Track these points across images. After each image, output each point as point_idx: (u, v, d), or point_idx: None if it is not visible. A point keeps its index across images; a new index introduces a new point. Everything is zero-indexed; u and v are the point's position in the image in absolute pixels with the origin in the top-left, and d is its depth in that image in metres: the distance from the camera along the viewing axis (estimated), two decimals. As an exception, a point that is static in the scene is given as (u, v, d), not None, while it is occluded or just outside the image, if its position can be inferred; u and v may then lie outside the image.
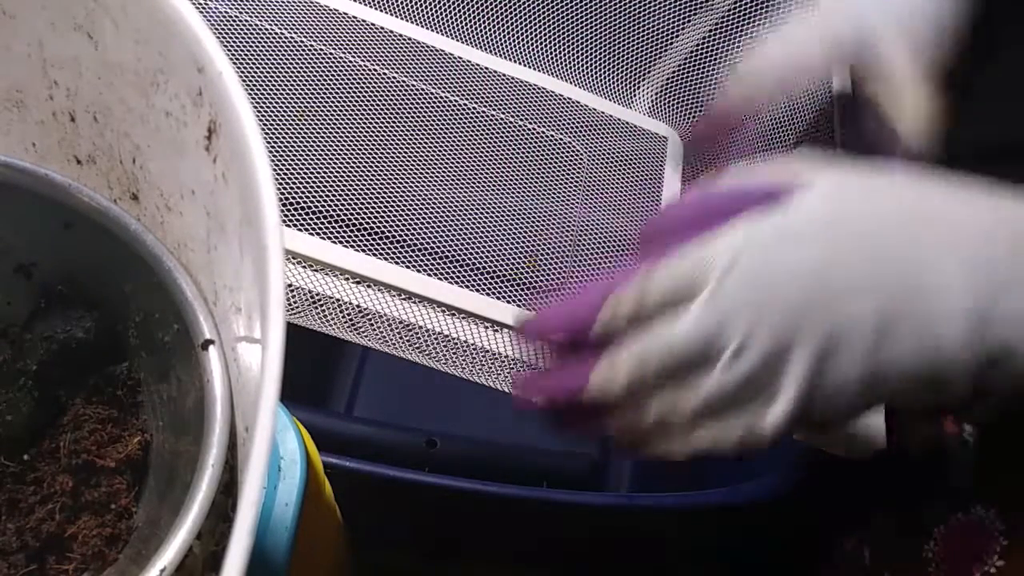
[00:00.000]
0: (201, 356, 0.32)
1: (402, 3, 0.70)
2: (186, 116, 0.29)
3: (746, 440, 0.32)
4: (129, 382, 0.34)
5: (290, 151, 0.61)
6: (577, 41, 0.72)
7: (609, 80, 0.73)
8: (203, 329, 0.32)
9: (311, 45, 0.67)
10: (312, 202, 0.60)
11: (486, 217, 0.64)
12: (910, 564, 0.46)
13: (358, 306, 0.52)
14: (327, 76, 0.66)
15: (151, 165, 0.33)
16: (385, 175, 0.63)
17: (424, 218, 0.62)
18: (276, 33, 0.66)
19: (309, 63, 0.66)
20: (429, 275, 0.45)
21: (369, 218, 0.61)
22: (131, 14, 0.29)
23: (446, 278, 0.47)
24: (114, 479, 0.33)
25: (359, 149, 0.63)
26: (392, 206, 0.62)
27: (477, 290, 0.46)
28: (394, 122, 0.66)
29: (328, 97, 0.65)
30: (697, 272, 0.31)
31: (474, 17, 0.71)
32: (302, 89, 0.65)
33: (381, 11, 0.70)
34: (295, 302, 0.53)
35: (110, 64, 0.31)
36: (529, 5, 0.71)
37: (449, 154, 0.66)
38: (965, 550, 0.43)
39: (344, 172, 0.62)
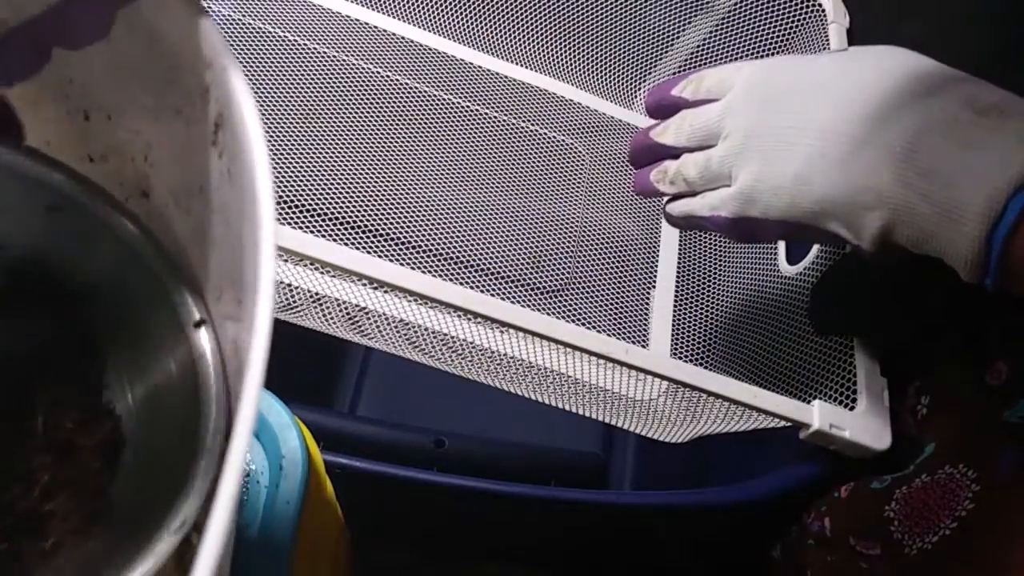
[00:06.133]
0: (193, 337, 0.32)
1: (401, 5, 0.71)
2: (195, 112, 0.30)
3: (714, 208, 0.47)
4: (111, 361, 0.34)
5: (292, 153, 0.62)
6: (577, 42, 0.72)
7: (610, 81, 0.73)
8: (192, 311, 0.32)
9: (309, 46, 0.67)
10: (314, 202, 0.60)
11: (488, 218, 0.64)
12: (871, 527, 0.47)
13: (360, 306, 0.52)
14: (328, 78, 0.66)
15: (161, 162, 0.33)
16: (387, 176, 0.63)
17: (426, 219, 0.63)
18: (274, 34, 0.67)
19: (309, 65, 0.67)
20: (431, 275, 0.45)
21: (371, 219, 0.61)
22: (144, 12, 0.29)
23: (449, 278, 0.47)
24: (92, 458, 0.32)
25: (361, 151, 0.64)
26: (394, 207, 0.62)
27: (480, 290, 0.46)
28: (396, 125, 0.66)
29: (329, 100, 0.65)
30: (725, 78, 0.47)
31: (474, 18, 0.71)
32: (303, 92, 0.65)
33: (382, 13, 0.71)
34: (297, 302, 0.53)
35: (123, 62, 0.31)
36: (528, 7, 0.71)
37: (451, 156, 0.66)
38: (931, 505, 0.45)
39: (346, 173, 0.62)
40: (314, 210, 0.60)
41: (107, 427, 0.33)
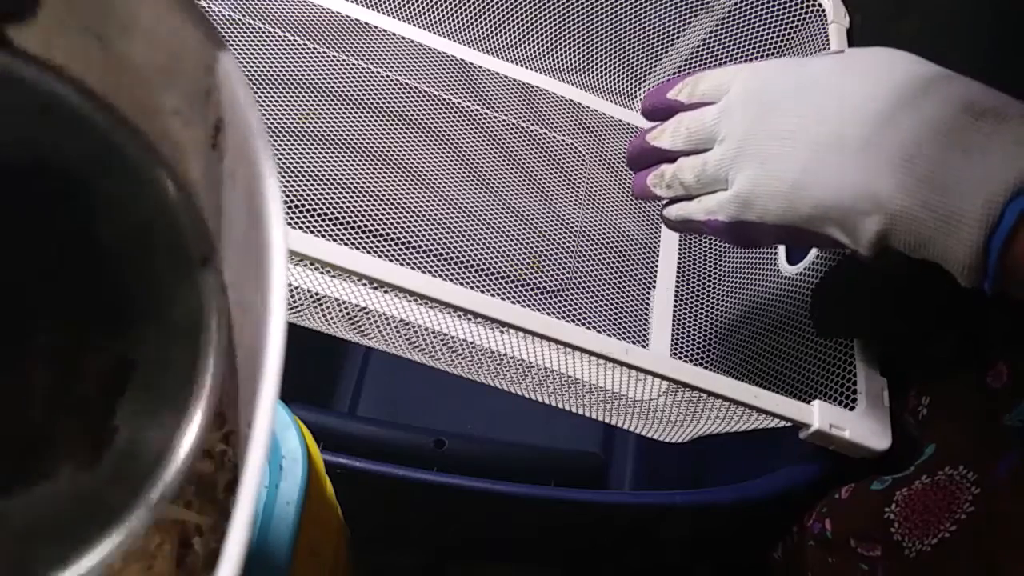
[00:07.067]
0: (197, 272, 0.31)
1: (401, 5, 0.71)
2: (194, 115, 0.29)
3: (710, 213, 0.47)
4: (113, 288, 0.32)
5: (292, 153, 0.62)
6: (577, 42, 0.72)
7: (610, 81, 0.73)
8: (195, 243, 0.31)
9: (309, 46, 0.67)
10: (314, 202, 0.60)
11: (489, 218, 0.64)
12: (871, 529, 0.47)
13: (360, 306, 0.52)
14: (328, 78, 0.66)
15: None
16: (387, 176, 0.63)
17: (426, 219, 0.63)
18: (274, 34, 0.67)
19: (309, 65, 0.67)
20: (431, 275, 0.45)
21: (371, 219, 0.61)
22: (142, 15, 0.29)
23: (449, 278, 0.47)
24: (92, 385, 0.31)
25: (360, 151, 0.64)
26: (394, 207, 0.62)
27: (480, 290, 0.46)
28: (396, 125, 0.66)
29: (329, 100, 0.65)
30: (722, 81, 0.47)
31: (474, 18, 0.71)
32: (303, 92, 0.65)
33: (382, 13, 0.71)
34: (297, 302, 0.53)
35: (119, 65, 0.31)
36: (528, 7, 0.71)
37: (451, 156, 0.66)
38: (931, 507, 0.45)
39: (346, 173, 0.62)
40: (314, 210, 0.60)
41: (106, 355, 0.32)
